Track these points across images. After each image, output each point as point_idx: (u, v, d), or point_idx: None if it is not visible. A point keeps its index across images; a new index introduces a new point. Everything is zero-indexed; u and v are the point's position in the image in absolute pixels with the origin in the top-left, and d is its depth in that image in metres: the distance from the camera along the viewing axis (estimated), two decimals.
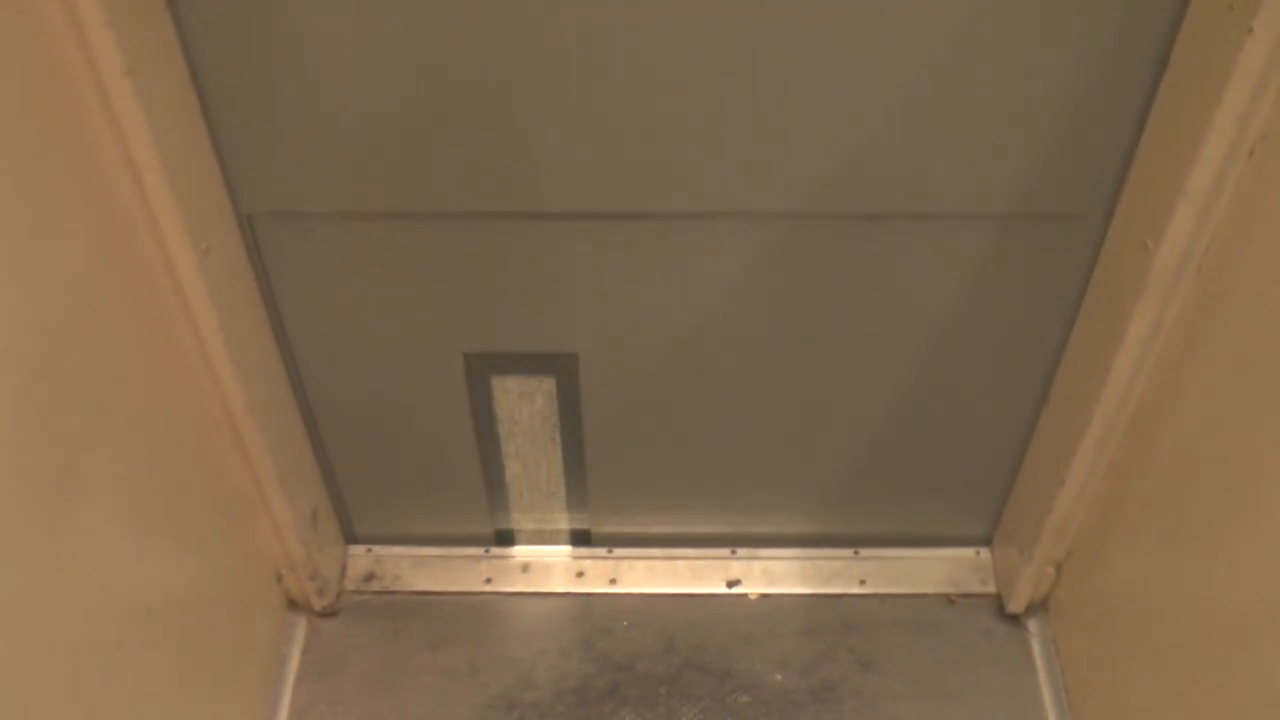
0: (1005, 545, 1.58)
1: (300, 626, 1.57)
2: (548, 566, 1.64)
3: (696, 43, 1.06)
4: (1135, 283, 1.15)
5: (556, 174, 1.17)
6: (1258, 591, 1.04)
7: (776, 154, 1.16)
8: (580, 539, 1.65)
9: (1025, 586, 1.52)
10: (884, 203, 1.20)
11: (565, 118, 1.12)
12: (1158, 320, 1.17)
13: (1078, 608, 1.47)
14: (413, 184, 1.18)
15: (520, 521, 1.63)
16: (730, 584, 1.62)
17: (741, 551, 1.65)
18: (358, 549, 1.66)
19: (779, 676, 1.52)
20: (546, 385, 1.42)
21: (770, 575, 1.63)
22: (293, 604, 1.58)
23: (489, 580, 1.63)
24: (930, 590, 1.61)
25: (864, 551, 1.64)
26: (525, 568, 1.64)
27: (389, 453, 1.52)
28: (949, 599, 1.61)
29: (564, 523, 1.63)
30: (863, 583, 1.62)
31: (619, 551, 1.65)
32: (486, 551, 1.65)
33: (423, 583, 1.63)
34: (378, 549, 1.66)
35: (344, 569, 1.63)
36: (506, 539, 1.65)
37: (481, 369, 1.40)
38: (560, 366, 1.40)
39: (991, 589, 1.61)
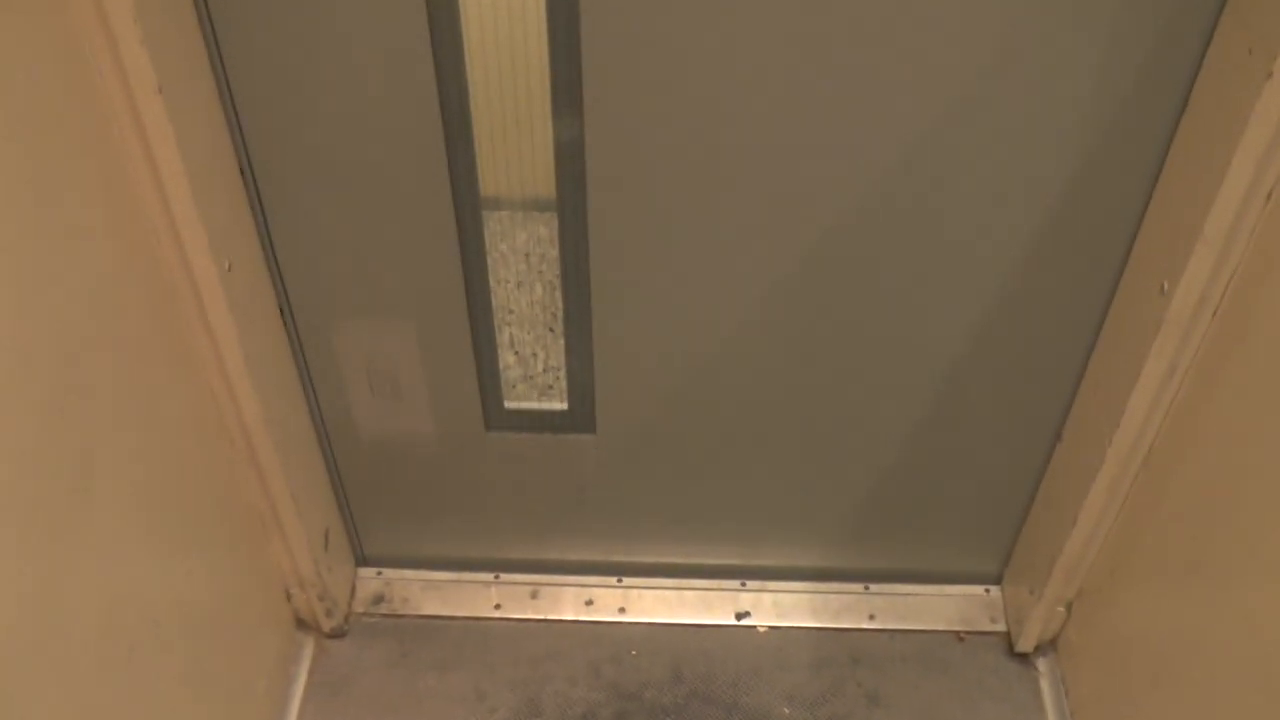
0: (1015, 583, 1.58)
1: (308, 646, 1.57)
2: (557, 593, 1.64)
3: (721, 76, 1.08)
4: (1151, 324, 1.15)
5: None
6: (1270, 635, 1.03)
7: (798, 190, 1.17)
8: (590, 567, 1.65)
9: (1035, 625, 1.52)
10: (901, 242, 1.21)
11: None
12: (1173, 362, 1.17)
13: (1088, 648, 1.46)
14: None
15: (531, 547, 1.63)
16: (739, 615, 1.62)
17: (751, 583, 1.65)
18: (368, 571, 1.66)
19: (786, 710, 1.52)
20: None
21: (780, 608, 1.63)
22: (301, 624, 1.58)
23: (498, 606, 1.63)
24: (940, 627, 1.61)
25: (874, 587, 1.64)
26: (535, 594, 1.64)
27: (402, 474, 1.53)
28: (958, 636, 1.60)
29: (575, 551, 1.63)
30: (872, 618, 1.61)
31: (628, 580, 1.65)
32: (496, 577, 1.65)
33: (432, 606, 1.63)
34: (388, 571, 1.66)
35: (353, 590, 1.64)
36: (517, 565, 1.65)
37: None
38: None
39: (1001, 627, 1.60)
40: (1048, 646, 1.57)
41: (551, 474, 1.52)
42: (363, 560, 1.66)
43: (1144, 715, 1.29)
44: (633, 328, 1.32)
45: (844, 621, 1.61)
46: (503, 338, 1.49)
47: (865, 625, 1.61)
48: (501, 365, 1.39)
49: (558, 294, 1.30)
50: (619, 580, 1.65)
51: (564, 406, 1.43)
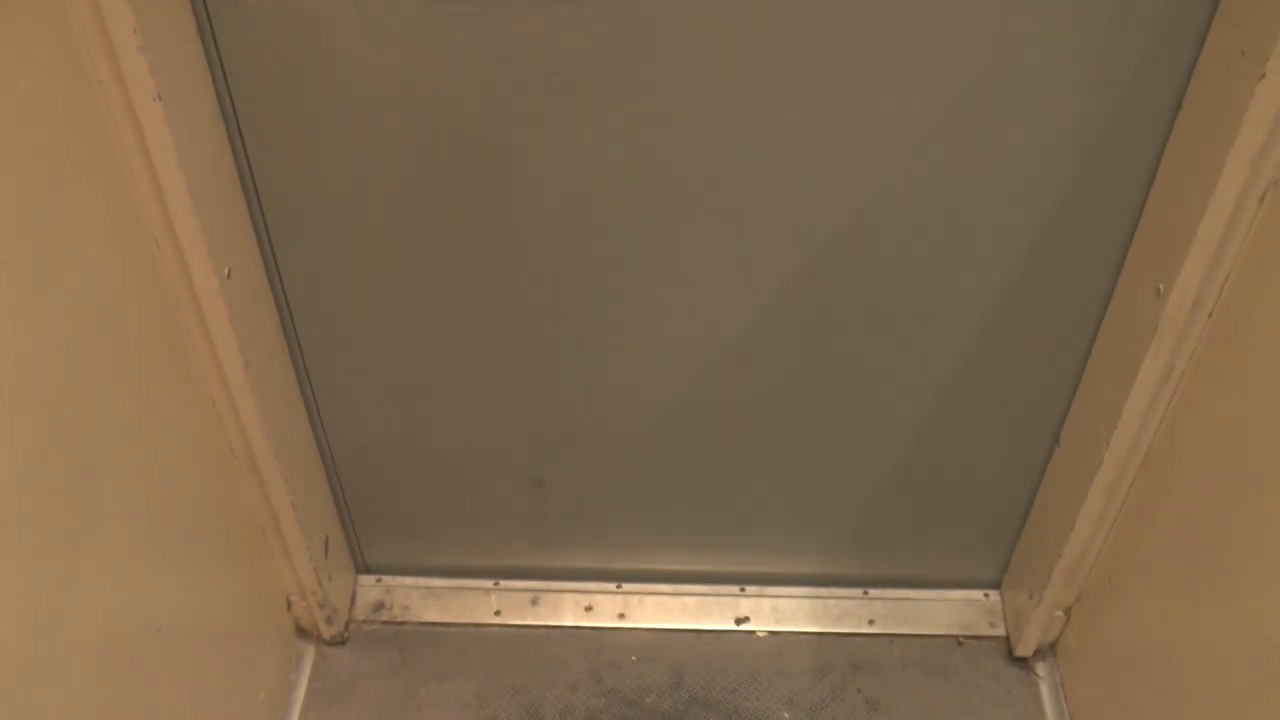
0: (1015, 588, 1.58)
1: (309, 655, 1.57)
2: (557, 600, 1.64)
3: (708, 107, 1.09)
4: (1147, 326, 1.16)
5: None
6: (1270, 638, 1.04)
7: (793, 198, 1.17)
8: (589, 573, 1.66)
9: (1034, 630, 1.52)
10: (896, 247, 1.22)
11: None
12: (1169, 364, 1.18)
13: (1087, 652, 1.47)
14: (434, 232, 1.20)
15: (531, 554, 1.63)
16: (739, 621, 1.62)
17: (751, 589, 1.65)
18: (368, 579, 1.66)
19: (787, 715, 1.52)
20: None
21: (779, 613, 1.63)
22: (302, 632, 1.58)
23: (498, 612, 1.63)
24: (939, 631, 1.61)
25: (873, 592, 1.64)
26: (535, 600, 1.64)
27: (401, 482, 1.53)
28: (958, 641, 1.60)
29: (574, 557, 1.63)
30: (872, 623, 1.61)
31: (628, 586, 1.65)
32: (496, 584, 1.65)
33: (432, 614, 1.63)
34: (387, 579, 1.66)
35: (354, 598, 1.64)
36: (517, 572, 1.65)
37: None
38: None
39: (1000, 632, 1.60)
40: (1047, 651, 1.57)
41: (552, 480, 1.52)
42: (363, 568, 1.66)
43: (1144, 719, 1.29)
44: (632, 332, 1.32)
45: (843, 626, 1.62)
46: None
47: (865, 630, 1.61)
48: None
49: None
50: (618, 586, 1.65)
51: None
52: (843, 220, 1.20)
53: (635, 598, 1.64)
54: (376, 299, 1.29)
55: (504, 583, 1.65)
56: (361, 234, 1.22)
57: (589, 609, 1.63)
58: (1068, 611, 1.50)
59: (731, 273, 1.26)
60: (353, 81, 1.09)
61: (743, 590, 1.65)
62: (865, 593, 1.64)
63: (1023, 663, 1.57)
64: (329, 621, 1.55)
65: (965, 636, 1.61)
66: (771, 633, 1.61)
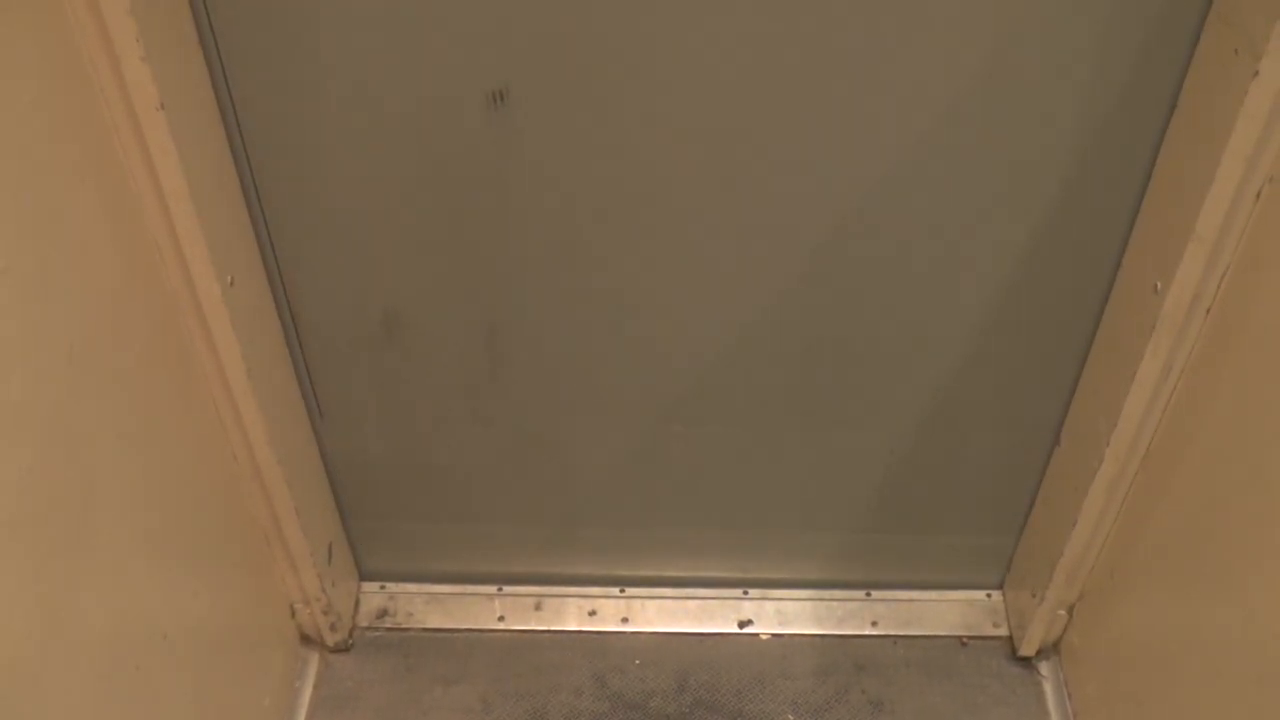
0: (1017, 588, 1.58)
1: (313, 662, 1.58)
2: (560, 605, 1.64)
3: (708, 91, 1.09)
4: (1146, 324, 1.16)
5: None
6: (1273, 633, 1.04)
7: (792, 197, 1.18)
8: (593, 578, 1.66)
9: (1037, 629, 1.52)
10: (893, 248, 1.22)
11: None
12: (1168, 362, 1.18)
13: (1090, 650, 1.47)
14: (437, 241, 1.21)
15: (534, 559, 1.63)
16: (742, 624, 1.62)
17: (754, 592, 1.65)
18: (371, 585, 1.66)
19: (791, 717, 1.52)
20: None
21: (782, 616, 1.63)
22: (306, 639, 1.58)
23: (502, 618, 1.63)
24: (942, 632, 1.61)
25: (876, 593, 1.65)
26: (538, 605, 1.64)
27: (404, 488, 1.53)
28: (961, 641, 1.60)
29: (577, 562, 1.64)
30: (875, 624, 1.62)
31: (631, 591, 1.66)
32: (500, 589, 1.66)
33: (436, 619, 1.63)
34: (391, 586, 1.66)
35: (357, 605, 1.64)
36: (520, 577, 1.66)
37: None
38: None
39: (1003, 631, 1.61)
40: (1050, 650, 1.58)
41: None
42: (366, 575, 1.66)
43: (1148, 717, 1.29)
44: (632, 334, 1.33)
45: (847, 628, 1.62)
46: None
47: (868, 632, 1.62)
48: None
49: None
50: (622, 591, 1.66)
51: None
52: (840, 222, 1.20)
53: (638, 602, 1.65)
54: (378, 306, 1.30)
55: (507, 588, 1.66)
56: (363, 241, 1.23)
57: (592, 613, 1.64)
58: (1070, 610, 1.50)
59: (731, 275, 1.26)
60: (353, 89, 1.10)
61: (745, 593, 1.65)
62: (868, 594, 1.65)
63: (1026, 662, 1.58)
64: (333, 628, 1.55)
65: (968, 637, 1.61)
66: (775, 635, 1.62)
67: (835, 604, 1.64)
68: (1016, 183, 1.16)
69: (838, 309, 1.29)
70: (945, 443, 1.44)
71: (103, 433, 1.01)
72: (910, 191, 1.17)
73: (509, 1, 1.03)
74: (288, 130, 1.13)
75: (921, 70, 1.08)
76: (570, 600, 1.65)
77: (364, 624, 1.63)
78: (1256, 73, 0.95)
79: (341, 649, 1.59)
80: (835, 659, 1.59)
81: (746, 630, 1.62)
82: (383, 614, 1.64)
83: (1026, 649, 1.56)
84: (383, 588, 1.66)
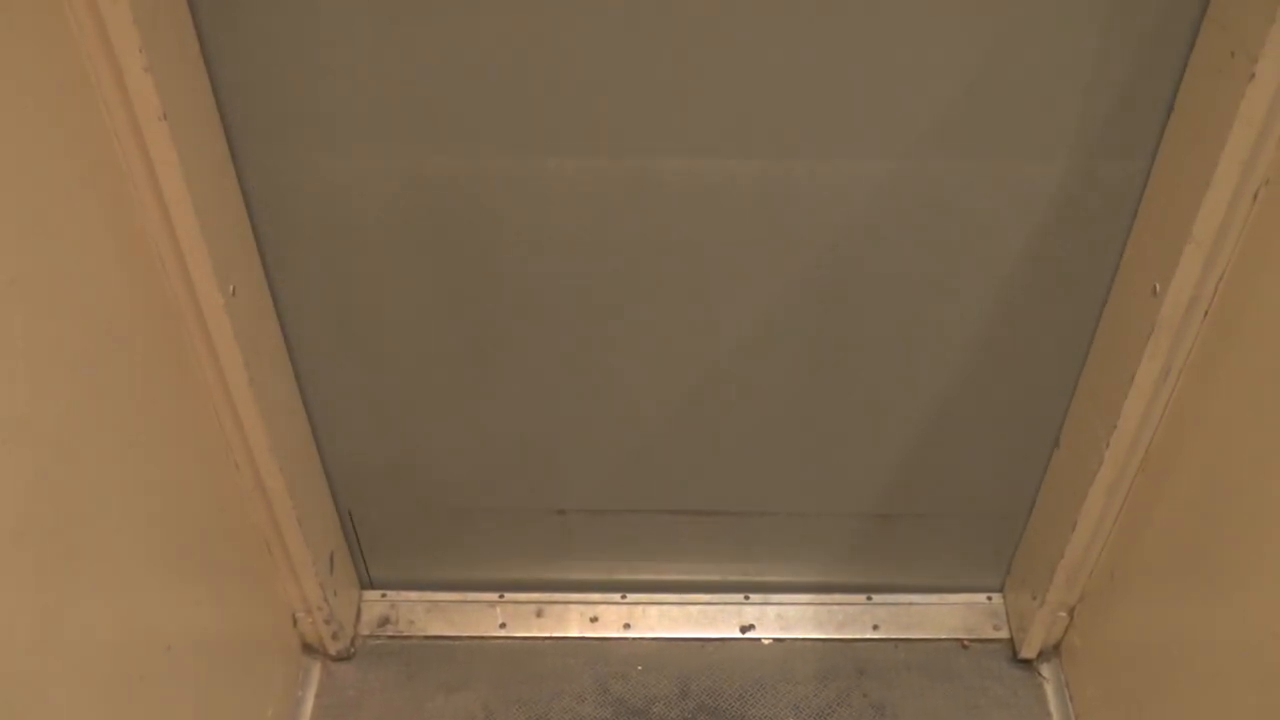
0: (1018, 590, 1.59)
1: (315, 670, 1.58)
2: (562, 611, 1.65)
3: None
4: (1144, 326, 1.17)
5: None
6: (1272, 634, 1.04)
7: (794, 202, 1.18)
8: (594, 585, 1.66)
9: (1038, 631, 1.52)
10: (894, 254, 1.23)
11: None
12: (1167, 364, 1.19)
13: (1091, 652, 1.47)
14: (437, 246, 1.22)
15: (536, 566, 1.63)
16: (744, 629, 1.63)
17: (755, 597, 1.65)
18: (373, 594, 1.67)
19: None
20: None
21: (784, 620, 1.63)
22: (308, 648, 1.58)
23: (503, 625, 1.63)
24: (943, 635, 1.62)
25: (877, 597, 1.65)
26: (540, 612, 1.64)
27: (405, 497, 1.54)
28: (962, 644, 1.61)
29: (578, 568, 1.64)
30: (876, 628, 1.62)
31: (632, 597, 1.66)
32: (501, 596, 1.66)
33: (437, 627, 1.63)
34: (392, 594, 1.66)
35: (359, 613, 1.64)
36: (522, 584, 1.66)
37: None
38: None
39: (1004, 634, 1.61)
40: (1051, 652, 1.58)
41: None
42: (368, 583, 1.66)
43: (1149, 718, 1.29)
44: (631, 342, 1.33)
45: (848, 632, 1.62)
46: None
47: (869, 635, 1.62)
48: None
49: None
50: (623, 597, 1.66)
51: None
52: (840, 225, 1.20)
53: (640, 608, 1.65)
54: (377, 316, 1.30)
55: (509, 595, 1.66)
56: (361, 252, 1.23)
57: (594, 620, 1.64)
58: (1071, 612, 1.51)
59: (730, 281, 1.26)
60: (352, 97, 1.10)
61: (747, 598, 1.65)
62: (869, 598, 1.65)
63: (1027, 664, 1.58)
64: (335, 637, 1.55)
65: (969, 640, 1.61)
66: (776, 640, 1.62)
67: (836, 608, 1.64)
68: (1014, 187, 1.16)
69: (836, 314, 1.29)
70: (945, 447, 1.44)
71: (105, 442, 1.01)
72: (909, 195, 1.17)
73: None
74: (285, 141, 1.13)
75: (920, 72, 1.08)
76: (572, 607, 1.65)
77: (366, 632, 1.63)
78: (1253, 75, 0.96)
79: (343, 657, 1.59)
80: (837, 663, 1.59)
81: (748, 635, 1.62)
82: (384, 622, 1.64)
83: (1027, 651, 1.56)
84: (384, 596, 1.66)
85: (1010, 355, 1.33)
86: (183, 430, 1.18)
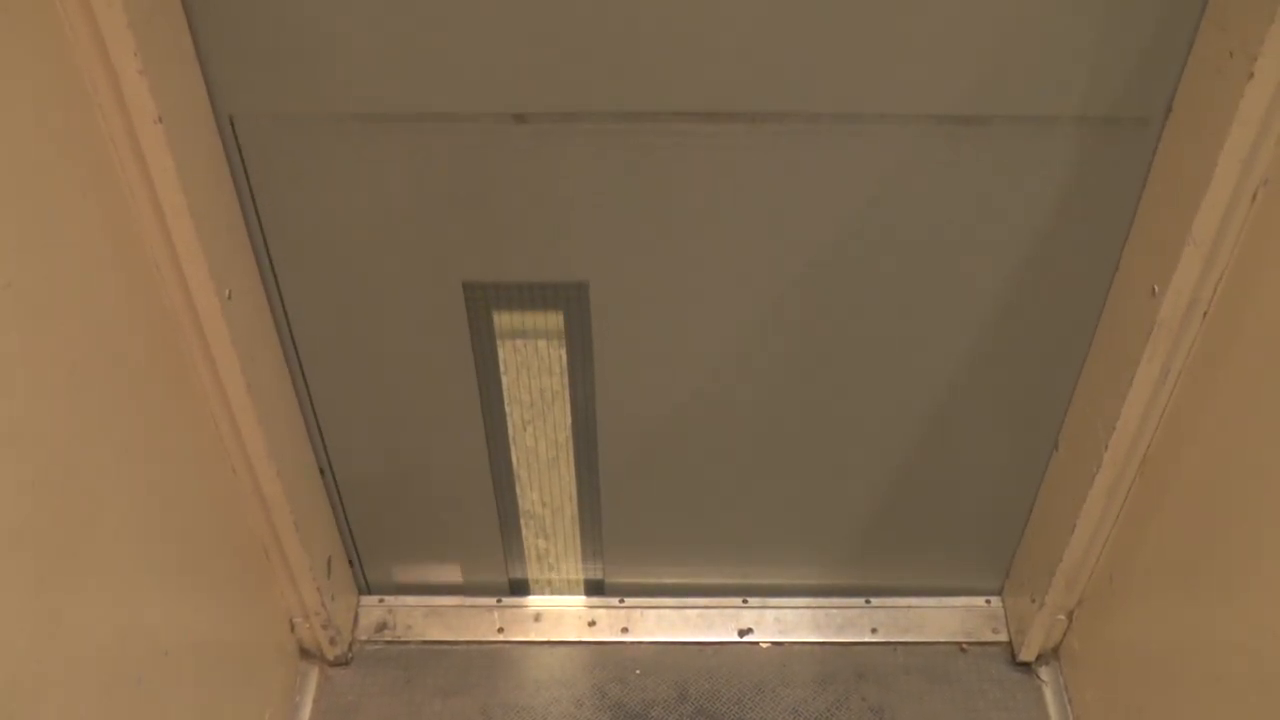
0: (1017, 593, 1.58)
1: (312, 675, 1.57)
2: (560, 616, 1.64)
3: None
4: (1143, 328, 1.17)
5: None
6: (1272, 636, 1.04)
7: (795, 208, 1.18)
8: (592, 589, 1.66)
9: (1037, 634, 1.52)
10: (894, 258, 1.23)
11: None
12: (1166, 365, 1.19)
13: (1090, 656, 1.47)
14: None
15: (533, 571, 1.63)
16: (742, 633, 1.62)
17: (753, 600, 1.65)
18: (370, 599, 1.66)
19: None
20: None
21: (782, 624, 1.63)
22: (305, 653, 1.58)
23: (501, 630, 1.63)
24: (942, 639, 1.61)
25: (875, 600, 1.65)
26: (538, 617, 1.64)
27: (403, 501, 1.53)
28: (961, 647, 1.61)
29: (576, 572, 1.64)
30: (874, 631, 1.62)
31: (630, 601, 1.65)
32: (499, 601, 1.65)
33: (435, 632, 1.63)
34: (390, 599, 1.66)
35: (356, 618, 1.64)
36: (519, 589, 1.66)
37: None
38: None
39: (1003, 637, 1.61)
40: (1050, 655, 1.58)
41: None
42: (365, 588, 1.66)
43: None
44: (631, 344, 1.33)
45: (847, 636, 1.62)
46: None
47: (868, 639, 1.62)
48: None
49: None
50: (621, 601, 1.65)
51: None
52: (840, 228, 1.20)
53: (638, 612, 1.64)
54: (377, 319, 1.30)
55: (506, 600, 1.65)
56: (361, 255, 1.23)
57: (592, 624, 1.64)
58: (1070, 615, 1.50)
59: (729, 286, 1.26)
60: (349, 97, 1.10)
61: (745, 602, 1.65)
62: (867, 601, 1.65)
63: (1026, 668, 1.58)
64: (332, 642, 1.54)
65: (968, 643, 1.61)
66: (775, 643, 1.62)
67: (835, 611, 1.64)
68: (1012, 188, 1.16)
69: (835, 319, 1.29)
70: (944, 450, 1.44)
71: (102, 447, 1.01)
72: (908, 198, 1.17)
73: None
74: (284, 144, 1.13)
75: (918, 74, 1.08)
76: (569, 611, 1.65)
77: (363, 637, 1.62)
78: (1251, 75, 0.96)
79: (341, 662, 1.58)
80: (835, 666, 1.59)
81: (746, 638, 1.62)
82: (382, 627, 1.63)
83: (1026, 654, 1.56)
84: (382, 601, 1.66)
85: (1009, 357, 1.33)
86: (180, 435, 1.17)
